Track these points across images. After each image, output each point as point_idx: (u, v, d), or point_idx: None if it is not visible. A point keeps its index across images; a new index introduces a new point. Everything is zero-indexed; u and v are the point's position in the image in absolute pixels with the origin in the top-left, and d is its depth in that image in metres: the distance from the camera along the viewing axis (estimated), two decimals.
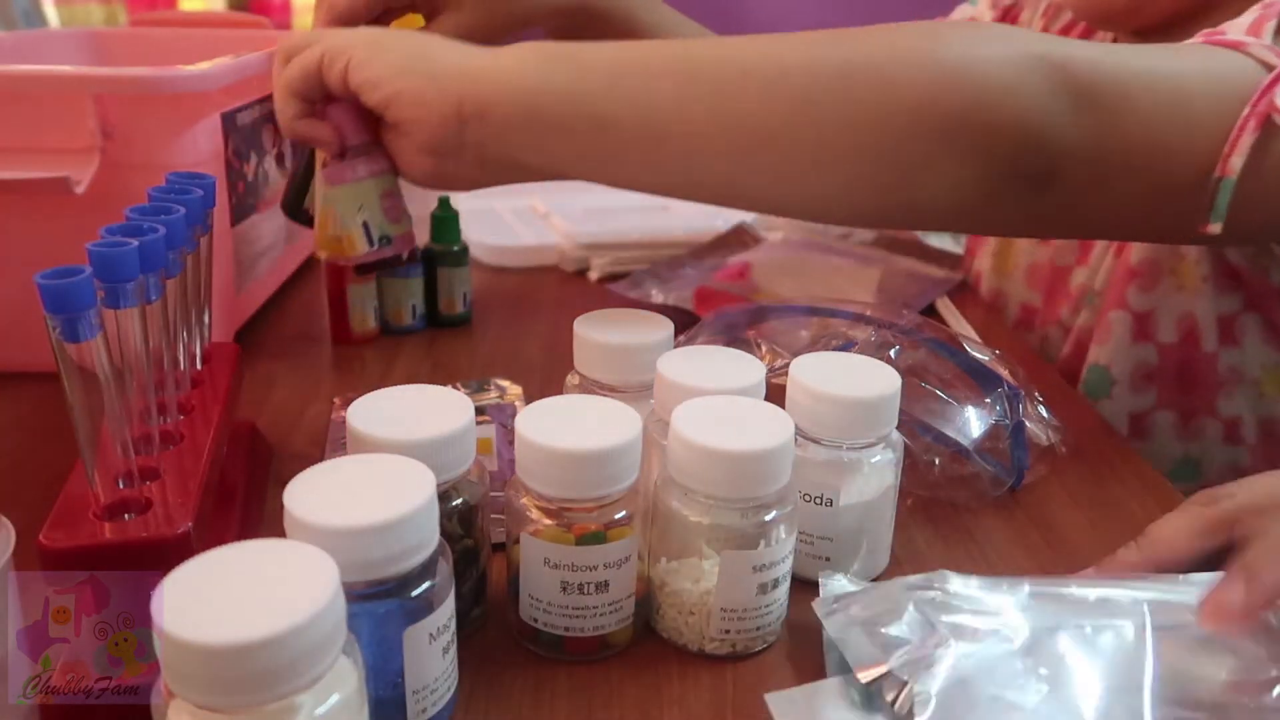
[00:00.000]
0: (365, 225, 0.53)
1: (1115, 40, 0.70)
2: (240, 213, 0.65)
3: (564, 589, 0.37)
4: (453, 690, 0.35)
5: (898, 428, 0.43)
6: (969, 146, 0.44)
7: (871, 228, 0.52)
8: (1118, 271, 0.66)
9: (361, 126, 0.50)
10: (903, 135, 0.44)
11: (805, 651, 0.40)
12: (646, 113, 0.44)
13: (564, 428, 0.37)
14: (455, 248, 0.70)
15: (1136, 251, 0.65)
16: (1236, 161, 0.45)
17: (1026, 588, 0.38)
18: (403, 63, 0.47)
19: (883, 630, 0.37)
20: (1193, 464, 0.66)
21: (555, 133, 0.45)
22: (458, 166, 0.47)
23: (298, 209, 0.56)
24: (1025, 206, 0.47)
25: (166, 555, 0.33)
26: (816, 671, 0.38)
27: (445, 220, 0.69)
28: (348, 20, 0.57)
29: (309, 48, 0.49)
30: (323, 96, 0.50)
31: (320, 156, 0.53)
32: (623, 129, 0.45)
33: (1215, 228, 0.46)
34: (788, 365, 0.43)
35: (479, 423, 0.54)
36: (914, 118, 0.44)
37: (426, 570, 0.33)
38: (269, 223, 0.71)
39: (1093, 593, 0.38)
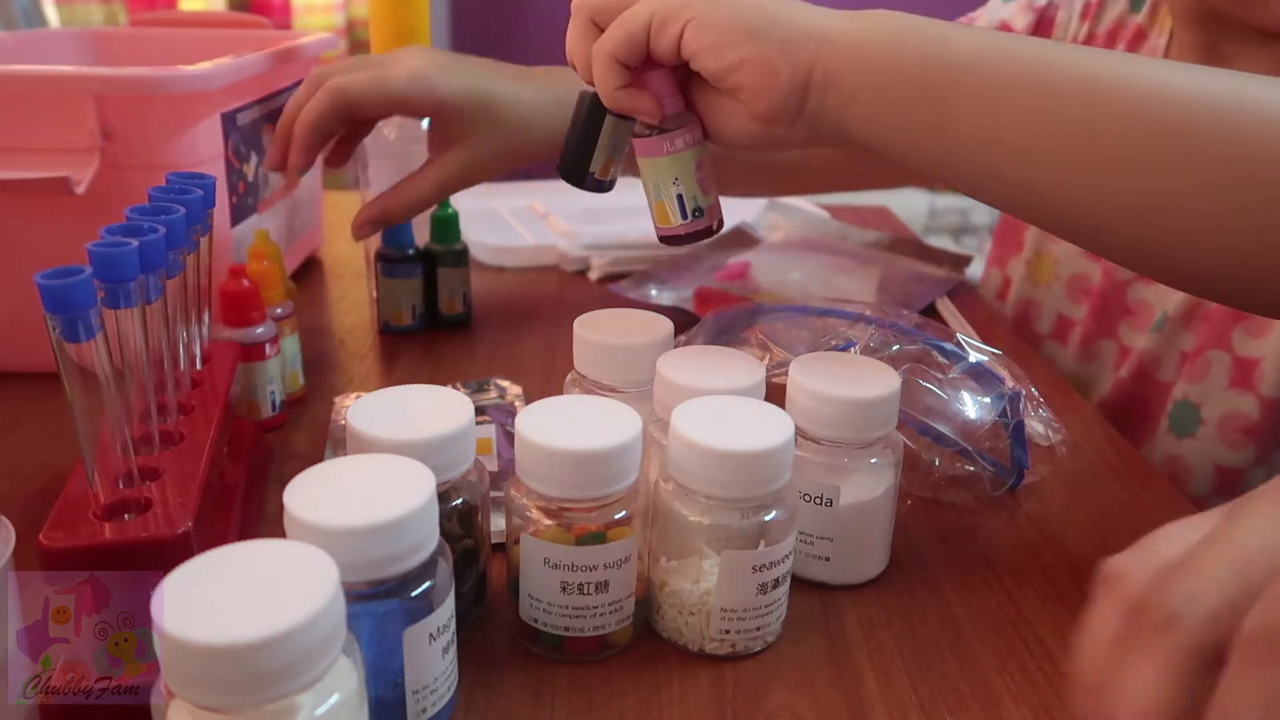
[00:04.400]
0: (679, 197, 0.50)
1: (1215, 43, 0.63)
2: (240, 213, 0.65)
3: (564, 589, 0.37)
4: (453, 690, 0.35)
5: (898, 428, 0.43)
6: None
7: (1240, 305, 0.44)
8: (1219, 307, 0.62)
9: (679, 94, 0.47)
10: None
11: (805, 651, 0.40)
12: (990, 121, 0.40)
13: (564, 428, 0.37)
14: (455, 248, 0.70)
15: None
16: None
17: None
18: (751, 24, 0.42)
19: None
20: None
21: (897, 113, 0.42)
22: (788, 131, 0.44)
23: (582, 175, 0.52)
24: None
25: (166, 555, 0.33)
26: (817, 671, 0.38)
27: (445, 220, 0.69)
28: None
29: (631, 8, 0.44)
30: (641, 62, 0.45)
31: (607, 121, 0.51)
32: (962, 130, 0.41)
33: None
34: (788, 365, 0.43)
35: (479, 423, 0.55)
36: None
37: (426, 570, 0.33)
38: (269, 222, 0.71)
39: None
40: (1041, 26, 0.78)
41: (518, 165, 0.64)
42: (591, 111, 0.50)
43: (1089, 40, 0.75)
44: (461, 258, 0.70)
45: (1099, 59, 0.41)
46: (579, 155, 0.52)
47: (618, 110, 0.47)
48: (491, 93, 0.62)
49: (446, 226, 0.69)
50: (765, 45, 0.42)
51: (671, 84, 0.47)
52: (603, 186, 0.53)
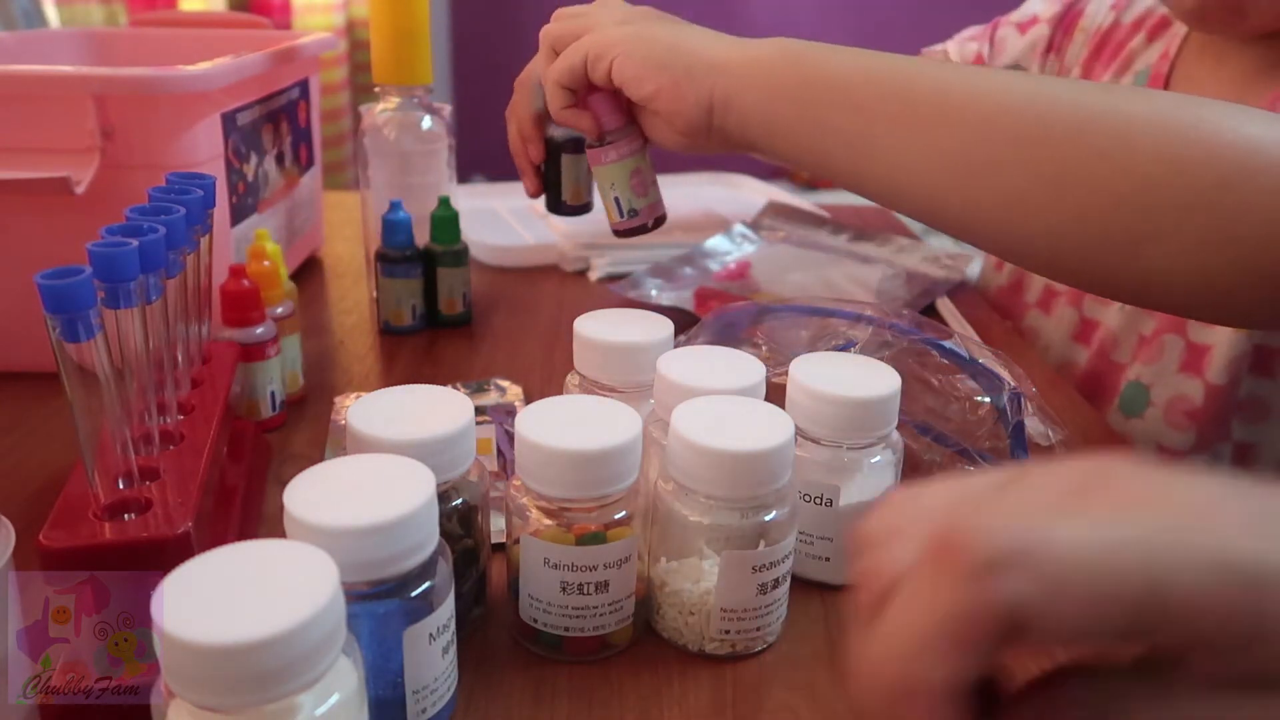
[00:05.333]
0: (616, 199, 0.61)
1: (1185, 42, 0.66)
2: (240, 213, 0.65)
3: (564, 589, 0.37)
4: (453, 690, 0.35)
5: (898, 428, 0.43)
6: (1212, 227, 0.40)
7: (1073, 285, 0.51)
8: None
9: (618, 113, 0.56)
10: (1133, 199, 0.41)
11: (805, 651, 0.40)
12: (862, 135, 0.47)
13: (564, 428, 0.37)
14: (455, 248, 0.70)
15: None
16: None
17: None
18: (662, 58, 0.51)
19: None
20: None
21: (783, 131, 0.49)
22: (706, 143, 0.52)
23: (557, 203, 0.65)
24: None
25: (166, 555, 0.33)
26: (817, 671, 0.38)
27: (445, 220, 0.69)
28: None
29: (574, 43, 0.54)
30: (586, 87, 0.55)
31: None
32: (840, 140, 0.47)
33: None
34: (788, 365, 0.43)
35: (479, 423, 0.55)
36: (1149, 183, 0.41)
37: (426, 570, 0.33)
38: (269, 222, 0.71)
39: None
40: (1068, 19, 0.79)
41: None
42: (551, 152, 0.63)
43: (1112, 29, 0.76)
44: (461, 258, 0.70)
45: (958, 73, 0.47)
46: (550, 188, 0.64)
47: (563, 124, 0.57)
48: None
49: (446, 226, 0.69)
50: (674, 75, 0.51)
51: (611, 105, 0.56)
52: (578, 210, 0.65)
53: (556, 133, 0.63)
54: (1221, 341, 0.62)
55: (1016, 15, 0.83)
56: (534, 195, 0.65)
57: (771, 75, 0.49)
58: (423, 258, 0.69)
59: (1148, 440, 0.65)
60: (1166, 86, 0.69)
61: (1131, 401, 0.66)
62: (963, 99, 0.45)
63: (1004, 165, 0.44)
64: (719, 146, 0.53)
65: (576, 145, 0.63)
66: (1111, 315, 0.69)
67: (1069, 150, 0.43)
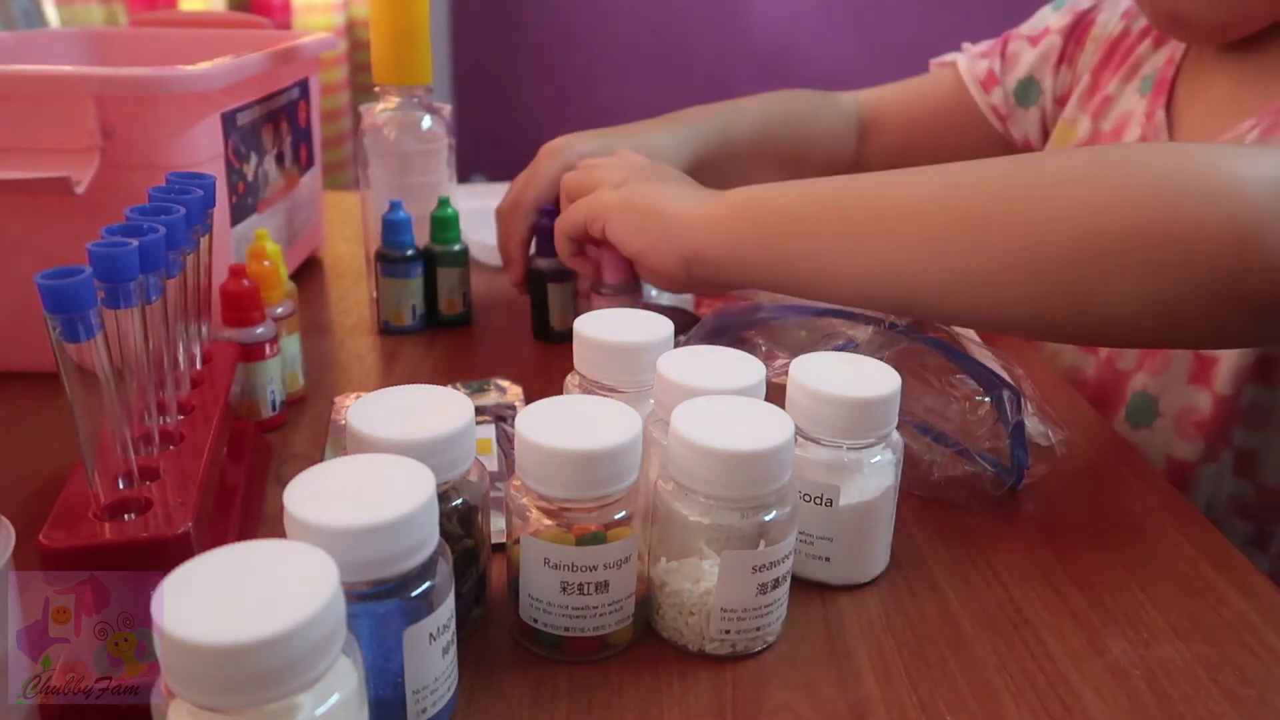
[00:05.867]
0: None
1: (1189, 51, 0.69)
2: (240, 213, 0.65)
3: (564, 589, 0.37)
4: (453, 690, 0.35)
5: (898, 428, 0.43)
6: (1151, 259, 0.43)
7: (1058, 342, 0.59)
8: None
9: (618, 266, 0.61)
10: (1070, 249, 0.44)
11: (805, 651, 0.40)
12: (820, 254, 0.51)
13: (564, 428, 0.37)
14: (455, 248, 0.70)
15: None
16: None
17: None
18: (643, 223, 0.57)
19: None
20: (1203, 495, 0.65)
21: (753, 267, 0.54)
22: (693, 288, 0.58)
23: (546, 330, 0.69)
24: (1247, 329, 0.46)
25: (166, 555, 0.33)
26: (817, 671, 0.38)
27: (445, 220, 0.69)
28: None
29: (580, 200, 0.61)
30: (588, 240, 0.62)
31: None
32: (798, 266, 0.52)
33: None
34: (788, 365, 0.43)
35: (479, 423, 0.55)
36: (1078, 230, 0.44)
37: (426, 570, 0.33)
38: (269, 222, 0.71)
39: None
40: (1080, 28, 0.79)
41: None
42: (537, 284, 0.67)
43: (1122, 37, 0.76)
44: (461, 258, 0.70)
45: (888, 179, 0.51)
46: (539, 317, 0.68)
47: (568, 265, 0.64)
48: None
49: (446, 226, 0.69)
50: (652, 238, 0.57)
51: (613, 259, 0.61)
52: (565, 337, 0.66)
53: (543, 264, 0.67)
54: (1227, 353, 0.62)
55: (1026, 28, 0.83)
56: (517, 285, 0.71)
57: (732, 223, 0.54)
58: (423, 258, 0.69)
59: (1156, 450, 0.65)
60: (1171, 91, 0.69)
61: (1138, 412, 0.66)
62: (897, 200, 0.50)
63: (949, 252, 0.47)
64: (702, 291, 0.59)
65: (560, 275, 0.67)
66: None
67: (1001, 221, 0.46)
